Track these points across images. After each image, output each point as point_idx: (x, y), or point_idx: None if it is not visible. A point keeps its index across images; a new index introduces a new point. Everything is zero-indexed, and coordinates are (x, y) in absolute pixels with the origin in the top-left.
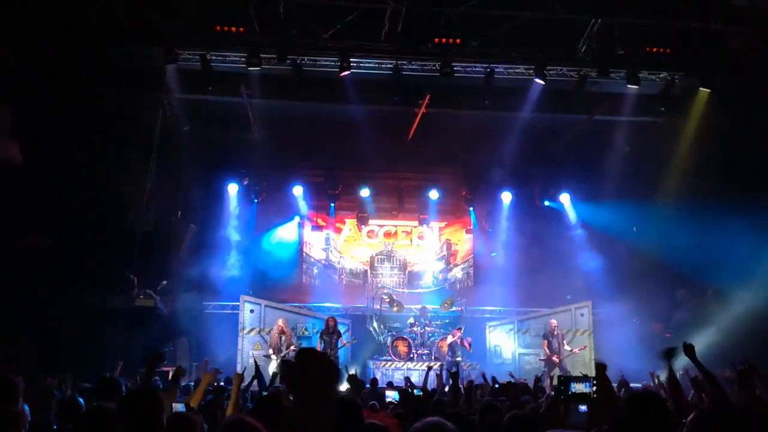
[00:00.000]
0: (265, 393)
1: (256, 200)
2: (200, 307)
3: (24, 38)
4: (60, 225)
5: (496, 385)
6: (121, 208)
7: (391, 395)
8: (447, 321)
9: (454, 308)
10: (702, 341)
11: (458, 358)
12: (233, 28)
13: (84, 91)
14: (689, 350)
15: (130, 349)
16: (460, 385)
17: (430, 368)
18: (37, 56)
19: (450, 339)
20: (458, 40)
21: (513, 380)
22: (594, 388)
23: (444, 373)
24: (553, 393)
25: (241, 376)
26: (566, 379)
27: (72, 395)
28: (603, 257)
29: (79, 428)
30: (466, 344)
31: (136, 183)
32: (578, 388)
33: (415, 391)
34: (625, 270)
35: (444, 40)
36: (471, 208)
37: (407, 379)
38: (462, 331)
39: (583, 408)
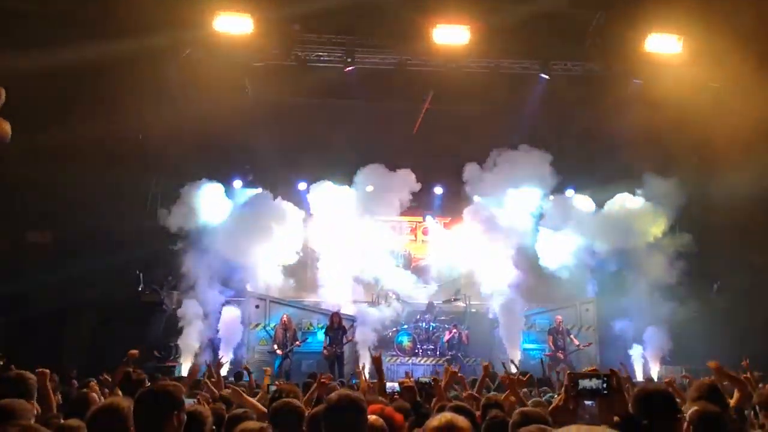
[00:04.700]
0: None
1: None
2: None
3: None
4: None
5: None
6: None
7: (391, 386)
8: (452, 316)
9: (458, 303)
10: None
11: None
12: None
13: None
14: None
15: (137, 345)
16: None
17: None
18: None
19: (447, 336)
20: (463, 36)
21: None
22: (605, 385)
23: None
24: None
25: None
26: (576, 375)
27: (81, 390)
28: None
29: (91, 423)
30: (464, 338)
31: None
32: (588, 384)
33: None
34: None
35: (448, 35)
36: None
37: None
38: (459, 327)
39: (591, 403)
